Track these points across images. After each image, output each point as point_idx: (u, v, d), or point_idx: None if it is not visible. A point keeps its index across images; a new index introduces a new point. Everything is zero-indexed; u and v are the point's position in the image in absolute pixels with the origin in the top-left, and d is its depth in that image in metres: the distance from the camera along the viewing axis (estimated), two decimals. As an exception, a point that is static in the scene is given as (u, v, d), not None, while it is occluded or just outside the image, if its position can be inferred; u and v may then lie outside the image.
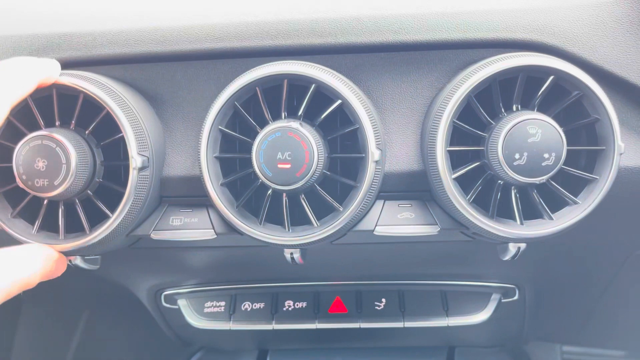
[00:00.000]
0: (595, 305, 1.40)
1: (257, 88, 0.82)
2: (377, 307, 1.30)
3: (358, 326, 1.28)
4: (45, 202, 0.84)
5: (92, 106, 0.82)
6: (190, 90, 0.90)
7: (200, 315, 1.33)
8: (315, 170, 0.78)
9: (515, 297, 1.29)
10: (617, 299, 1.37)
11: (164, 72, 0.90)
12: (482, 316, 1.29)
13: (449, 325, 1.27)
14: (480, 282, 1.27)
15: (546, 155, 0.77)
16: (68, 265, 0.88)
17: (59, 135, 0.79)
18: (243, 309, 1.31)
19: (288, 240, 0.83)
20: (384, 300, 1.30)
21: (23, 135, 0.81)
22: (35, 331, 1.64)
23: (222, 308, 1.30)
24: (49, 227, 0.86)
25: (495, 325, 1.32)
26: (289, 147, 0.78)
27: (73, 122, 0.83)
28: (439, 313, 1.27)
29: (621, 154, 0.80)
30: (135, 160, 0.81)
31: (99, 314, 1.66)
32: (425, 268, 1.25)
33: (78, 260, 0.89)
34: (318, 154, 0.78)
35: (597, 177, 0.82)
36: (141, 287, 1.33)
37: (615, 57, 0.85)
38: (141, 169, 0.82)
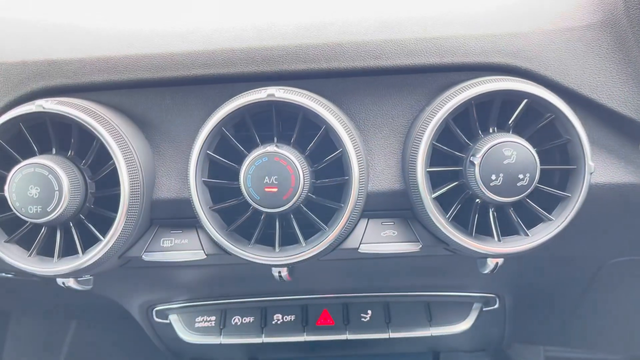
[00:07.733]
0: (574, 309, 1.44)
1: (245, 113, 0.85)
2: (363, 319, 1.32)
3: (345, 338, 1.31)
4: (44, 228, 0.85)
5: (85, 132, 0.85)
6: (179, 115, 0.92)
7: (191, 330, 1.35)
8: (302, 193, 0.81)
9: (496, 306, 1.33)
10: (594, 303, 1.42)
11: (153, 97, 0.92)
12: (464, 325, 1.33)
13: (433, 335, 1.31)
14: (462, 293, 1.31)
15: (521, 176, 0.81)
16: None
17: (51, 162, 0.81)
18: (233, 323, 1.33)
19: (276, 260, 0.86)
20: (369, 312, 1.33)
21: (17, 162, 0.83)
22: (22, 344, 1.65)
23: (213, 323, 1.32)
24: (46, 250, 0.88)
25: (478, 331, 1.35)
26: (276, 172, 0.81)
27: (71, 151, 0.86)
28: (423, 323, 1.30)
29: (591, 173, 0.84)
30: (125, 187, 0.83)
31: (88, 326, 1.67)
32: (409, 280, 1.28)
33: (71, 282, 0.91)
34: (304, 178, 0.81)
35: (570, 195, 0.85)
36: (133, 304, 1.34)
37: (585, 79, 0.88)
38: (131, 194, 0.84)
